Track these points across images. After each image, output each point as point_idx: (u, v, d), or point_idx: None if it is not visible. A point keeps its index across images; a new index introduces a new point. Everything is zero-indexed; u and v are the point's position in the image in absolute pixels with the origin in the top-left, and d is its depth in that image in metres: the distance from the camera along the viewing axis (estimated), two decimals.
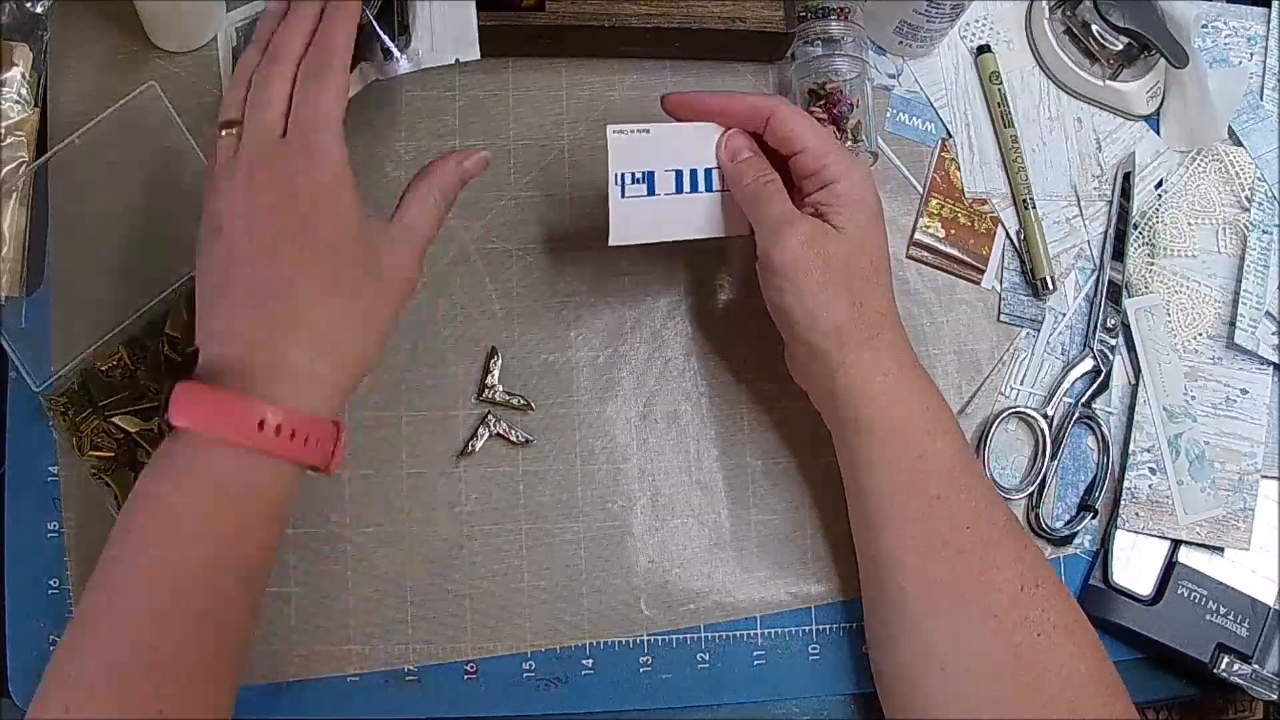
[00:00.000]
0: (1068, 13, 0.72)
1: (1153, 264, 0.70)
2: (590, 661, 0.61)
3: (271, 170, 0.48)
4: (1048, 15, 0.72)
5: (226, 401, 0.45)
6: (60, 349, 0.59)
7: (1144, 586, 0.64)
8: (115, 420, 0.57)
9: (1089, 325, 0.69)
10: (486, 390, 0.62)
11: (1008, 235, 0.69)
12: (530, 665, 0.60)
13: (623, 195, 0.56)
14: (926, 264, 0.68)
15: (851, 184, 0.56)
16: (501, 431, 0.62)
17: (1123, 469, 0.66)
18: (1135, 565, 0.65)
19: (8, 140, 0.59)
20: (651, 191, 0.57)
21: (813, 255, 0.55)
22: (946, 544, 0.54)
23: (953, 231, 0.69)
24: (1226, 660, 0.62)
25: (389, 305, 0.51)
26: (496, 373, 0.62)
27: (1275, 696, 0.62)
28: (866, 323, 0.56)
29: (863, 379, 0.56)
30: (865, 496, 0.57)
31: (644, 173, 0.57)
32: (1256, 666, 0.62)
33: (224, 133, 0.49)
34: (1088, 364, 0.68)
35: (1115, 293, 0.69)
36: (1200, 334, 0.69)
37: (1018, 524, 0.57)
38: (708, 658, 0.61)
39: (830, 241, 0.55)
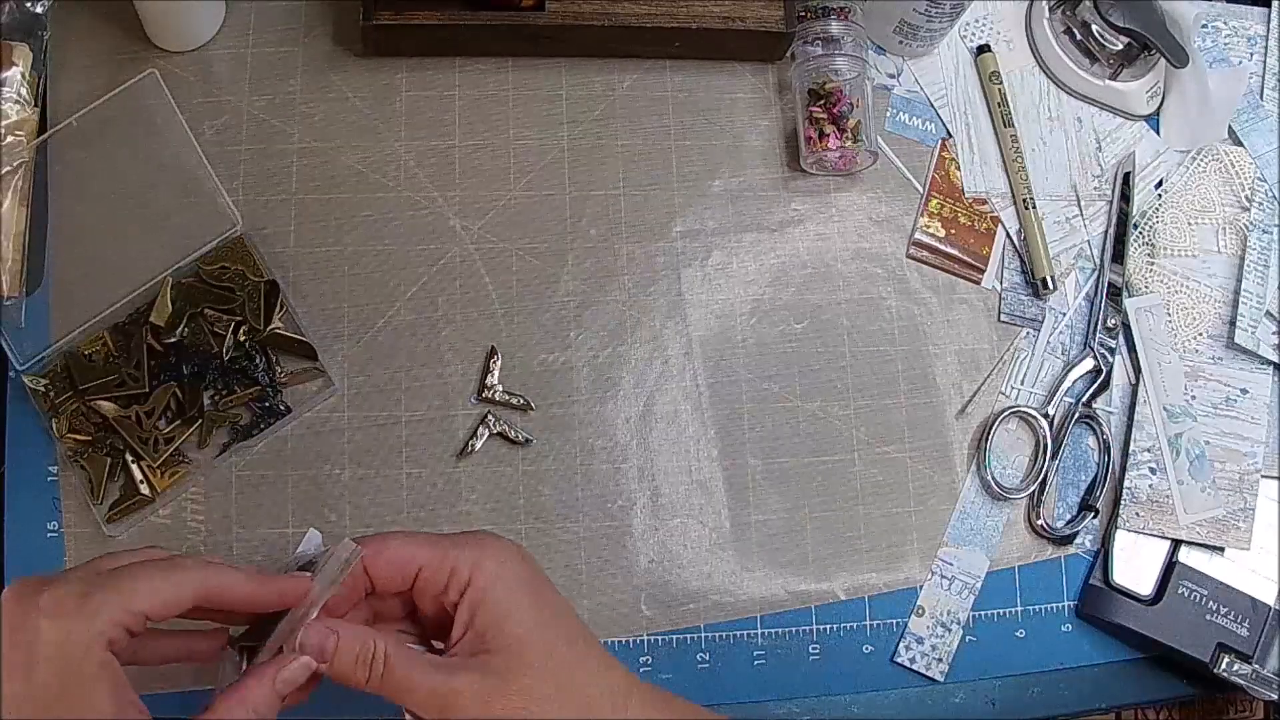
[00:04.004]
0: (1068, 13, 0.72)
1: (1153, 264, 0.70)
2: None
3: None
4: (1048, 15, 0.72)
5: None
6: (55, 332, 0.59)
7: (1144, 586, 0.64)
8: (94, 404, 0.57)
9: (1089, 325, 0.69)
10: (486, 390, 0.62)
11: (1008, 235, 0.69)
12: None
13: None
14: (926, 264, 0.68)
15: (495, 571, 0.43)
16: (501, 431, 0.62)
17: (1123, 469, 0.66)
18: (1135, 565, 0.65)
19: (7, 140, 0.59)
20: None
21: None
22: None
23: (953, 231, 0.69)
24: (1227, 660, 0.62)
25: None
26: (496, 373, 0.62)
27: (1275, 696, 0.62)
28: None
29: None
30: None
31: None
32: (1257, 666, 0.62)
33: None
34: (1088, 364, 0.68)
35: (1115, 292, 0.69)
36: (1200, 334, 0.69)
37: None
38: (708, 658, 0.61)
39: (510, 689, 0.42)
